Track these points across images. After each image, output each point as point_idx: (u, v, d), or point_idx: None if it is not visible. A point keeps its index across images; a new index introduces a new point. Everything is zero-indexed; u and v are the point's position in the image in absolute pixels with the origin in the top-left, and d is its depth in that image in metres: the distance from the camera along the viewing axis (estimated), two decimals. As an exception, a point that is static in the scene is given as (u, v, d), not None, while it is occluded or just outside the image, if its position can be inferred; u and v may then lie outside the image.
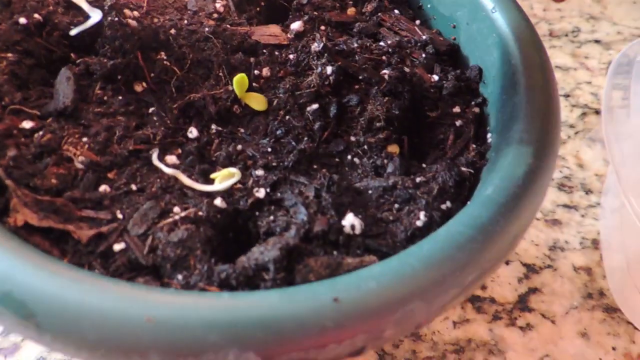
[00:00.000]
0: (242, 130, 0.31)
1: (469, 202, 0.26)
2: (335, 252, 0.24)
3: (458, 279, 0.22)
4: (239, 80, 0.31)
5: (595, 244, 0.42)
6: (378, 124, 0.30)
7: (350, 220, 0.25)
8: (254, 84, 0.33)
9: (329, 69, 0.32)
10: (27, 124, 0.26)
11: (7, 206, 0.24)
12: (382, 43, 0.35)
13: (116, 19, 0.30)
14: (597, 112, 0.52)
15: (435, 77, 0.33)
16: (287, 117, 0.31)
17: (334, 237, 0.25)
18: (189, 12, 0.36)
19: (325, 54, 0.33)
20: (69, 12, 0.32)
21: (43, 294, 0.20)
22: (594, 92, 0.55)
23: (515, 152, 0.26)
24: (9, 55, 0.28)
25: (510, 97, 0.29)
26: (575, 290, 0.39)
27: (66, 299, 0.20)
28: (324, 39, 0.34)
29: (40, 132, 0.26)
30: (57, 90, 0.28)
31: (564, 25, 0.62)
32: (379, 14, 0.37)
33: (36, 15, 0.30)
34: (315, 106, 0.31)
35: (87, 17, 0.32)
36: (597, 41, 0.60)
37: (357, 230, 0.25)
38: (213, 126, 0.31)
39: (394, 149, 0.29)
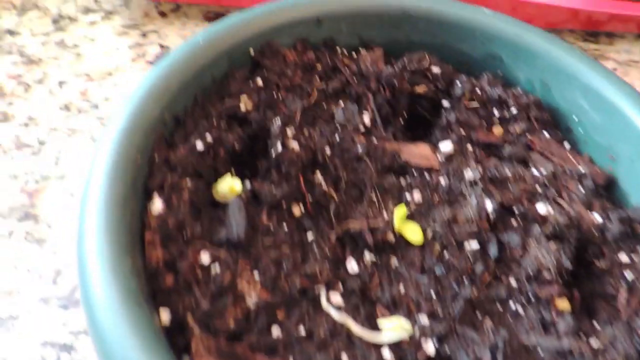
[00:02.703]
0: (396, 262, 0.31)
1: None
2: None
3: None
4: (400, 214, 0.31)
5: None
6: (547, 276, 0.29)
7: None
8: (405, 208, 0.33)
9: (488, 205, 0.32)
10: (204, 258, 0.28)
11: (187, 346, 0.25)
12: (534, 171, 0.35)
13: (283, 145, 0.32)
14: None
15: (598, 218, 0.33)
16: (445, 253, 0.31)
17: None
18: (337, 124, 0.37)
19: (480, 184, 0.33)
20: (233, 128, 0.34)
21: None
22: None
23: None
24: (188, 183, 0.29)
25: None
26: None
27: None
28: (479, 167, 0.34)
29: (217, 267, 0.28)
30: (230, 220, 0.29)
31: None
32: (527, 135, 0.37)
33: (208, 137, 0.32)
34: (475, 245, 0.31)
35: (249, 134, 0.34)
36: None
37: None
38: (367, 254, 0.31)
39: (563, 304, 0.29)
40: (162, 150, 0.29)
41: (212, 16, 0.60)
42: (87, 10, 0.58)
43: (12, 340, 0.35)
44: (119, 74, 0.52)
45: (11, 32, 0.54)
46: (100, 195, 0.24)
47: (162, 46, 0.56)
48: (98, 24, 0.57)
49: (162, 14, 0.59)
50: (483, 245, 0.31)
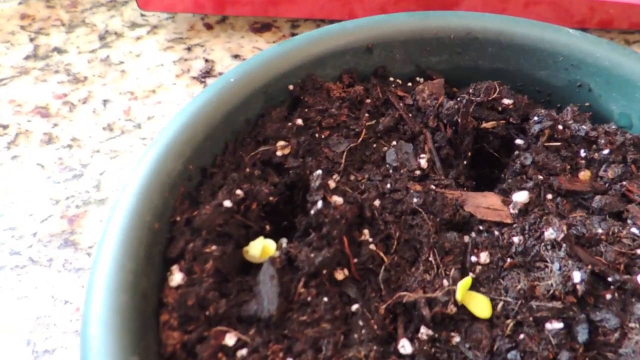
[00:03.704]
0: (458, 340, 0.27)
1: None
2: None
3: None
4: (465, 286, 0.27)
5: None
6: (655, 374, 0.24)
7: None
8: (469, 272, 0.29)
9: (575, 274, 0.26)
10: (230, 340, 0.24)
11: None
12: (633, 229, 0.29)
13: (324, 200, 0.28)
14: None
15: None
16: (520, 333, 0.26)
17: None
18: (388, 167, 0.32)
19: (564, 246, 0.28)
20: (266, 178, 0.30)
21: None
22: None
23: None
24: (213, 248, 0.26)
25: None
26: None
27: None
28: (562, 223, 0.29)
29: (244, 353, 0.24)
30: (260, 292, 0.26)
31: None
32: (623, 182, 0.31)
33: (239, 192, 0.28)
34: (558, 325, 0.26)
35: (287, 183, 0.30)
36: None
37: None
38: (422, 330, 0.27)
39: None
40: (184, 211, 0.26)
41: (259, 27, 0.58)
42: (133, 25, 0.58)
43: None
44: (163, 92, 0.52)
45: (59, 50, 0.55)
46: (106, 279, 0.21)
47: (207, 60, 0.54)
48: (144, 39, 0.57)
49: (208, 26, 0.58)
50: (569, 326, 0.26)
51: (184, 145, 0.27)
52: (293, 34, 0.58)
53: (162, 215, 0.25)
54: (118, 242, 0.22)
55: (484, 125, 0.34)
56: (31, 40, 0.56)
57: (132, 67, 0.54)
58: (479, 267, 0.29)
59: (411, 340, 0.26)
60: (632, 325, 0.25)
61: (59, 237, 0.41)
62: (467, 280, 0.27)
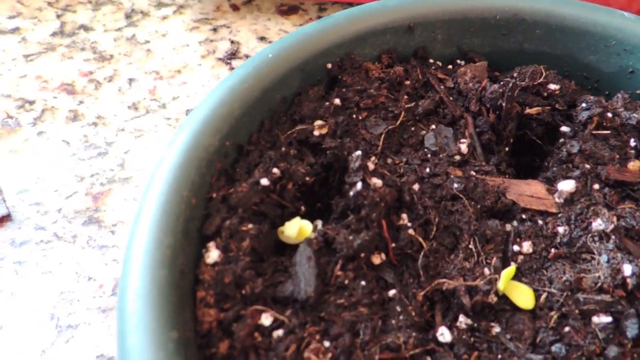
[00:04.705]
0: (498, 330, 0.26)
1: None
2: None
3: None
4: (508, 275, 0.26)
5: None
6: None
7: None
8: (510, 262, 0.28)
9: (625, 267, 0.26)
10: (266, 319, 0.24)
11: None
12: (686, 221, 0.28)
13: (363, 182, 0.27)
14: None
15: None
16: (565, 326, 0.25)
17: None
18: (427, 151, 0.32)
19: (613, 237, 0.27)
20: (302, 158, 0.30)
21: None
22: None
23: None
24: (250, 227, 0.26)
25: None
26: None
27: None
28: (610, 214, 0.28)
29: (280, 333, 0.24)
30: (297, 273, 0.25)
31: None
32: (676, 172, 0.30)
33: (275, 170, 0.28)
34: (606, 319, 0.25)
35: (323, 163, 0.30)
36: None
37: None
38: (461, 318, 0.26)
39: None
40: (221, 188, 0.26)
41: (285, 9, 0.58)
42: (159, 4, 0.58)
43: (69, 351, 0.35)
44: (188, 72, 0.52)
45: (85, 28, 0.55)
46: (144, 253, 0.21)
47: (232, 42, 0.54)
48: (170, 19, 0.57)
49: (235, 7, 0.58)
50: (617, 320, 0.25)
51: (221, 120, 0.26)
52: (320, 17, 0.57)
53: (198, 191, 0.25)
54: (156, 216, 0.22)
55: (528, 111, 0.33)
56: (58, 17, 0.56)
57: (157, 47, 0.54)
58: (521, 257, 0.28)
59: (450, 329, 0.26)
60: (685, 322, 0.25)
61: (83, 214, 0.41)
62: (510, 270, 0.26)
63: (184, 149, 0.25)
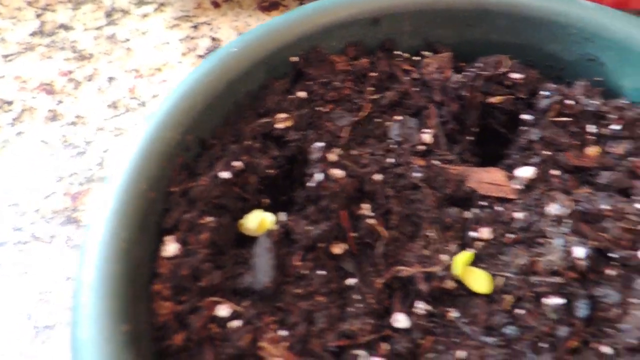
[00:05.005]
0: (455, 315, 0.27)
1: None
2: None
3: None
4: (463, 260, 0.27)
5: None
6: (655, 350, 0.24)
7: None
8: (468, 248, 0.29)
9: (578, 250, 0.27)
10: (222, 311, 0.25)
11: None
12: (638, 204, 0.29)
13: (324, 173, 0.28)
14: None
15: None
16: (519, 309, 0.26)
17: None
18: (391, 142, 0.32)
19: (567, 220, 0.28)
20: (266, 151, 0.31)
21: None
22: None
23: None
24: (209, 220, 0.26)
25: None
26: None
27: None
28: (566, 199, 0.29)
29: (237, 324, 0.25)
30: (256, 265, 0.26)
31: None
32: (632, 158, 0.31)
33: (237, 164, 0.29)
34: (558, 301, 0.26)
35: (287, 156, 0.31)
36: None
37: None
38: (419, 305, 0.27)
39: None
40: (182, 181, 0.27)
41: (266, 5, 0.58)
42: (140, 2, 0.58)
43: (46, 351, 0.35)
44: (168, 70, 0.52)
45: (65, 27, 0.55)
46: (99, 246, 0.21)
47: (213, 39, 0.55)
48: (150, 16, 0.57)
49: (215, 5, 0.58)
50: (569, 301, 0.26)
51: (183, 114, 0.27)
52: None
53: (158, 184, 0.26)
54: (113, 209, 0.23)
55: (491, 100, 0.33)
56: (37, 16, 0.56)
57: (138, 45, 0.54)
58: (480, 243, 0.29)
59: (408, 315, 0.27)
60: (633, 301, 0.25)
61: (61, 214, 0.42)
62: (465, 255, 0.27)
63: (144, 143, 0.26)
